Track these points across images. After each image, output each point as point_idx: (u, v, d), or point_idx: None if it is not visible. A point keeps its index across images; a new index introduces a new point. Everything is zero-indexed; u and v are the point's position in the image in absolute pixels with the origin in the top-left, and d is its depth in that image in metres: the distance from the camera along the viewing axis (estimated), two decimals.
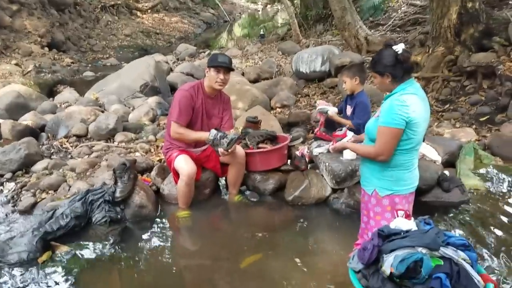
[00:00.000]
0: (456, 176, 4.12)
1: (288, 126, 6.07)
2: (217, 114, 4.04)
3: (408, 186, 2.64)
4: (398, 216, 2.40)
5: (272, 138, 4.41)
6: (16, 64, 11.00)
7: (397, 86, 2.56)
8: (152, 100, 7.19)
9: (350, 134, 3.70)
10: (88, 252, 3.35)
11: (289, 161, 4.37)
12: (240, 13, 30.71)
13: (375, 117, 2.68)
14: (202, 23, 24.89)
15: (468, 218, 3.67)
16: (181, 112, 3.77)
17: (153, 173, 4.29)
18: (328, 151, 4.03)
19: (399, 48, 2.52)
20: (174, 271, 3.19)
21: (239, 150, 4.01)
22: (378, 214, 2.70)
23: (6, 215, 3.86)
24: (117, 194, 3.70)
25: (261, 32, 15.91)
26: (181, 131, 3.79)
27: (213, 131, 3.65)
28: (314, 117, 5.76)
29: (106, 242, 3.43)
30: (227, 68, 3.81)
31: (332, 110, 4.30)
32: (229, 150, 3.66)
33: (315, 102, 7.04)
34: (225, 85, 3.91)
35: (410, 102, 2.44)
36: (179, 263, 3.33)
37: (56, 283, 2.93)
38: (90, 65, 13.17)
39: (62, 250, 3.27)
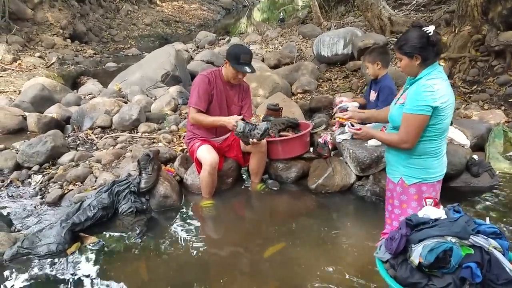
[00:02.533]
0: (485, 160, 4.02)
1: (310, 112, 6.01)
2: (236, 102, 4.02)
3: (436, 174, 2.56)
4: (426, 204, 2.35)
5: (294, 126, 4.37)
6: (40, 57, 11.18)
7: (423, 69, 2.45)
8: (174, 90, 7.22)
9: (350, 104, 3.71)
10: (116, 242, 3.41)
11: (311, 148, 4.33)
12: None
13: (399, 104, 2.57)
14: (221, 9, 24.79)
15: (498, 203, 3.59)
16: (199, 97, 3.76)
17: (176, 163, 4.32)
18: (352, 137, 3.97)
19: (430, 29, 2.40)
20: (199, 260, 3.22)
21: None
22: (404, 202, 2.64)
23: (35, 207, 3.95)
24: (142, 185, 3.74)
25: (281, 16, 15.73)
26: (197, 117, 3.77)
27: (241, 124, 3.56)
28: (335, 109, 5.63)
29: (133, 232, 3.48)
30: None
31: (351, 106, 4.20)
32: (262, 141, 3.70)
33: (337, 86, 6.94)
34: (242, 80, 3.90)
35: (437, 87, 2.35)
36: (204, 252, 3.35)
37: (85, 274, 2.99)
38: (112, 55, 13.28)
39: (91, 241, 3.34)
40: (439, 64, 2.52)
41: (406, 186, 2.58)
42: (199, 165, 3.86)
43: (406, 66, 2.50)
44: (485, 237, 2.08)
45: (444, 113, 2.40)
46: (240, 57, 3.70)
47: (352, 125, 2.82)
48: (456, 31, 6.52)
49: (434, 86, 2.35)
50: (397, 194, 2.65)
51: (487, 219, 2.26)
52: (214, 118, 3.77)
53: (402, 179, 2.59)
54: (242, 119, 3.65)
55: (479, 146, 4.25)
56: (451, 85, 5.89)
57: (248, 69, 3.73)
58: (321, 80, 7.63)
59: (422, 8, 10.25)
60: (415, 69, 2.47)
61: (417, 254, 2.04)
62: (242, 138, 3.65)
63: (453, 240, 2.04)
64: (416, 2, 10.56)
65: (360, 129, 2.76)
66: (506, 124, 4.69)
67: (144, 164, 3.79)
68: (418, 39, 2.40)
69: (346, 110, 4.25)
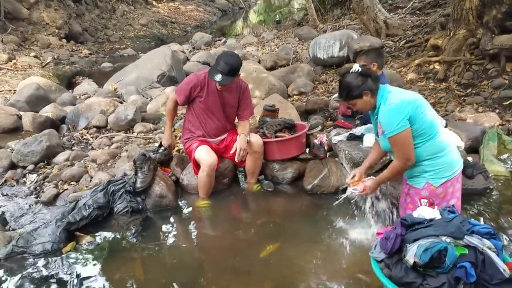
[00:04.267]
0: (480, 162, 4.04)
1: (305, 113, 6.02)
2: (232, 103, 3.99)
3: (458, 165, 2.68)
4: (421, 204, 2.37)
5: (290, 127, 4.39)
6: (35, 56, 11.13)
7: (376, 97, 2.63)
8: (169, 90, 7.20)
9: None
10: (111, 241, 3.41)
11: (307, 149, 4.34)
12: None
13: (381, 134, 2.69)
14: (217, 11, 24.78)
15: (492, 205, 3.61)
16: (181, 89, 3.90)
17: (172, 163, 4.31)
18: (348, 139, 3.99)
19: (356, 67, 2.63)
20: (194, 260, 3.22)
21: (257, 139, 3.99)
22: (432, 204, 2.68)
23: (30, 206, 3.93)
24: (138, 185, 3.73)
25: (277, 18, 15.76)
26: (169, 108, 4.05)
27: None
28: (331, 105, 5.68)
29: (128, 232, 3.48)
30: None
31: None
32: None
33: (333, 88, 6.97)
34: (224, 88, 3.79)
35: (396, 101, 2.51)
36: (200, 253, 3.36)
37: (80, 273, 2.99)
38: (107, 56, 13.25)
39: (86, 240, 3.33)
40: (384, 86, 2.68)
41: (433, 189, 2.64)
42: (197, 165, 3.86)
43: (362, 105, 2.68)
44: (480, 237, 2.10)
45: (420, 112, 2.53)
46: (219, 64, 3.65)
47: (355, 189, 2.89)
48: (451, 34, 6.56)
49: (393, 103, 2.51)
50: (420, 198, 2.70)
51: (482, 219, 2.28)
52: (167, 126, 4.12)
53: (429, 183, 2.65)
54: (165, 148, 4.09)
55: (473, 148, 4.27)
56: (446, 88, 5.95)
57: (216, 77, 3.61)
58: (317, 82, 7.65)
59: (417, 12, 10.30)
60: (371, 102, 2.65)
61: (412, 253, 2.06)
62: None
63: (448, 240, 2.06)
64: (412, 5, 10.62)
65: (365, 189, 2.86)
66: (500, 126, 4.72)
67: (140, 163, 3.79)
68: (355, 80, 2.60)
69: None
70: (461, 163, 2.72)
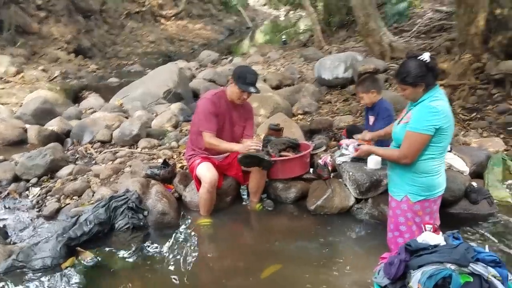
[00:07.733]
0: (484, 188, 4.01)
1: (310, 133, 6.02)
2: (239, 122, 4.04)
3: (438, 190, 2.71)
4: (426, 230, 2.35)
5: (294, 146, 4.38)
6: (43, 70, 11.24)
7: (426, 92, 2.61)
8: (175, 107, 7.25)
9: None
10: (111, 258, 3.37)
11: (311, 169, 4.33)
12: (262, 19, 30.79)
13: (403, 123, 2.70)
14: (224, 30, 25.04)
15: (496, 231, 3.56)
16: (210, 120, 3.80)
17: (176, 180, 4.30)
18: (352, 160, 3.98)
19: (426, 57, 2.57)
20: (194, 280, 3.18)
21: None
22: (409, 219, 2.74)
23: (31, 220, 3.93)
24: None
25: (283, 39, 15.91)
26: (213, 141, 3.79)
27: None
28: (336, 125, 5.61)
29: (129, 249, 3.45)
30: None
31: (355, 141, 4.01)
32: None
33: (337, 109, 6.98)
34: (245, 100, 3.94)
35: (440, 108, 2.52)
36: (200, 272, 3.32)
37: None
38: (115, 71, 13.35)
39: (86, 256, 3.30)
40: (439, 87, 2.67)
41: (411, 204, 2.69)
42: (199, 182, 3.86)
43: (411, 94, 2.66)
44: (485, 265, 2.07)
45: (446, 132, 2.56)
46: (246, 77, 3.75)
47: (354, 145, 2.98)
48: (456, 58, 6.60)
49: (438, 107, 2.51)
50: (401, 212, 2.75)
51: (487, 247, 2.25)
52: (228, 145, 3.83)
53: (407, 197, 2.70)
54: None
55: (478, 173, 4.24)
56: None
57: (252, 89, 3.77)
58: (321, 102, 7.68)
59: (423, 35, 10.37)
60: (420, 94, 2.63)
61: (416, 280, 2.03)
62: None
63: (453, 267, 2.03)
64: (417, 29, 10.70)
65: (357, 150, 3.03)
66: (505, 152, 4.70)
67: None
68: (418, 69, 2.56)
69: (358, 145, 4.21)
70: (442, 188, 2.74)
